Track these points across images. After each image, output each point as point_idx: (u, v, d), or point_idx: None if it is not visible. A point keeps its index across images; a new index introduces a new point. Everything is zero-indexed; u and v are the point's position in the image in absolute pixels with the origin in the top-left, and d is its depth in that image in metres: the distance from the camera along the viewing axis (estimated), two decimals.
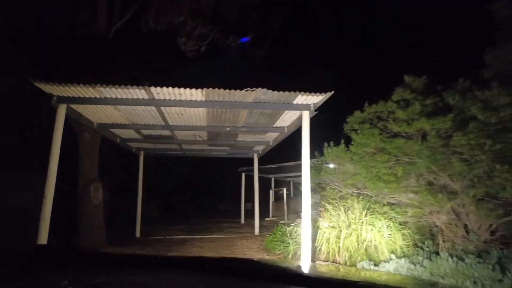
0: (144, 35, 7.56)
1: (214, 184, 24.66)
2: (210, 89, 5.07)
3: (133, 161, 11.31)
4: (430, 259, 5.14)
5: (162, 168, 17.06)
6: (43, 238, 4.78)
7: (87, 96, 5.30)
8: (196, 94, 5.33)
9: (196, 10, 7.29)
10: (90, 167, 7.92)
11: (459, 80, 5.44)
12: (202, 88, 5.07)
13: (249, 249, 8.14)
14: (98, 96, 5.32)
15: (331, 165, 8.03)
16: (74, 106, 5.87)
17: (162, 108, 5.98)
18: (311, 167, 7.86)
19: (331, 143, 7.50)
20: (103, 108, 6.09)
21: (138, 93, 5.19)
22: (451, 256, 5.06)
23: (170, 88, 5.06)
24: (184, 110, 6.22)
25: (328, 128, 8.04)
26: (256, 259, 4.56)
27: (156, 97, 5.39)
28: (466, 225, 5.90)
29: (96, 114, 6.49)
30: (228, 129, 7.42)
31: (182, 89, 5.11)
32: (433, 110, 5.64)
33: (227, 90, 5.08)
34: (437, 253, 5.50)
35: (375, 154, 6.39)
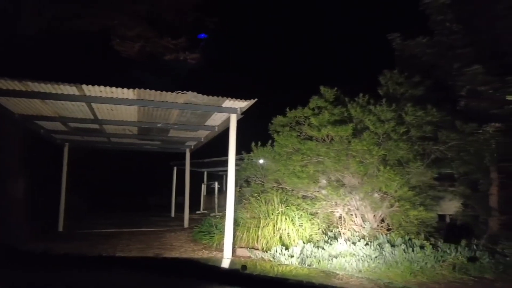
0: (80, 34, 7.39)
1: (146, 178, 24.14)
2: (142, 89, 5.36)
3: (61, 153, 10.83)
4: (330, 244, 6.15)
5: (91, 161, 16.35)
6: None
7: (11, 88, 5.21)
8: (127, 93, 5.57)
9: (132, 12, 7.34)
10: (8, 159, 7.54)
11: (360, 95, 6.54)
12: (133, 88, 5.34)
13: (177, 240, 8.53)
14: (24, 90, 5.25)
15: (261, 161, 8.76)
16: None
17: (92, 104, 6.08)
18: (241, 163, 8.57)
19: (259, 143, 8.22)
20: (28, 101, 5.96)
21: (68, 89, 5.27)
22: (346, 240, 6.15)
23: (102, 86, 5.24)
24: (115, 107, 6.38)
25: (263, 128, 8.66)
26: (184, 258, 4.70)
27: (87, 94, 5.51)
28: (363, 215, 7.11)
29: (18, 106, 6.30)
30: (159, 125, 7.70)
31: (114, 88, 5.32)
32: (340, 119, 6.69)
33: (159, 91, 5.42)
34: (338, 239, 6.57)
35: (293, 153, 7.29)
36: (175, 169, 15.44)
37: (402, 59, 7.74)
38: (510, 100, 6.04)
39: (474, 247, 5.45)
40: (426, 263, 4.98)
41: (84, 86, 5.17)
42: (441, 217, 9.01)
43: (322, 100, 7.07)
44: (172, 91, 5.48)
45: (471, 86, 6.46)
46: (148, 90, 5.37)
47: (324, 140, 6.86)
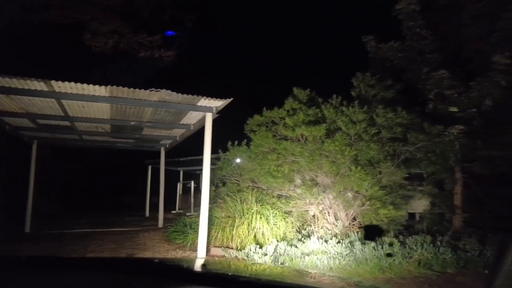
0: (50, 28, 7.09)
1: (120, 177, 23.58)
2: (114, 86, 5.25)
3: (30, 151, 10.39)
4: (303, 242, 6.26)
5: (63, 159, 15.80)
6: None
7: None
8: (100, 90, 5.43)
9: (106, 6, 7.13)
10: None
11: (333, 96, 6.69)
12: (106, 85, 5.22)
13: (151, 240, 8.40)
14: None
15: (238, 160, 8.76)
16: None
17: (62, 100, 5.88)
18: (217, 162, 8.54)
19: (236, 142, 8.23)
20: None
21: (36, 84, 5.07)
22: (319, 238, 6.28)
23: (73, 83, 5.09)
24: (86, 104, 6.21)
25: (240, 126, 8.67)
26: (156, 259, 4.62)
27: (57, 90, 5.33)
28: (336, 213, 7.27)
29: None
30: (132, 123, 7.55)
31: (85, 85, 5.18)
32: (314, 119, 6.82)
33: (132, 89, 5.33)
34: (311, 237, 6.69)
35: (268, 153, 7.35)
36: (149, 168, 15.18)
37: (375, 62, 7.97)
38: (473, 104, 6.36)
39: (438, 243, 5.70)
40: (394, 260, 5.17)
41: (53, 82, 5.00)
42: (411, 215, 9.38)
43: (296, 102, 7.18)
44: (145, 89, 5.39)
45: (438, 90, 6.75)
46: (121, 87, 5.27)
47: (298, 140, 6.97)
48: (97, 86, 5.23)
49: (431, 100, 6.96)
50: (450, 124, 6.27)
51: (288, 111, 7.06)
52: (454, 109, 6.34)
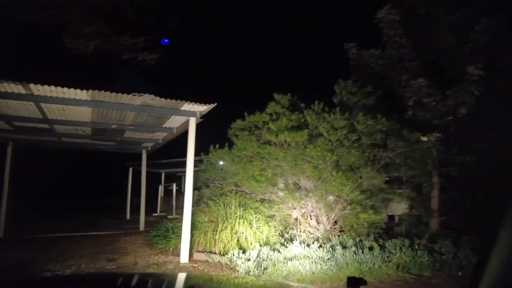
0: (30, 30, 6.86)
1: (100, 179, 23.10)
2: (96, 90, 5.16)
3: (4, 153, 10.03)
4: (286, 246, 6.33)
5: (41, 161, 15.34)
6: None
7: None
8: (81, 94, 5.34)
9: (89, 7, 6.96)
10: None
11: (315, 102, 6.80)
12: (87, 89, 5.13)
13: (132, 244, 8.28)
14: None
15: (221, 162, 8.73)
16: None
17: (42, 103, 5.74)
18: (200, 165, 8.51)
19: (217, 145, 8.22)
20: None
21: (13, 87, 4.93)
22: (301, 243, 6.37)
23: (53, 86, 4.97)
24: (67, 107, 6.07)
25: (224, 129, 8.65)
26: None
27: (36, 93, 5.19)
28: (318, 217, 7.38)
29: None
30: (114, 126, 7.44)
31: (65, 88, 5.08)
32: (297, 124, 6.91)
33: (114, 93, 5.26)
34: (293, 241, 6.77)
35: (252, 157, 7.39)
36: (130, 170, 14.94)
37: (357, 68, 8.15)
38: (449, 112, 6.61)
39: (416, 246, 5.89)
40: (374, 264, 5.30)
41: (32, 85, 4.87)
42: (391, 218, 9.63)
43: (279, 106, 7.25)
44: (128, 93, 5.34)
45: (417, 98, 6.97)
46: (103, 91, 5.19)
47: (282, 145, 7.04)
48: (78, 90, 5.13)
49: (410, 107, 7.18)
50: (428, 131, 6.49)
51: (271, 115, 7.12)
52: (429, 117, 6.57)
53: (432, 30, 7.71)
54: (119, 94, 5.32)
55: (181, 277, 3.23)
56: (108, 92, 5.24)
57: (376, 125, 6.46)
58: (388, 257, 5.51)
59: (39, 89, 5.04)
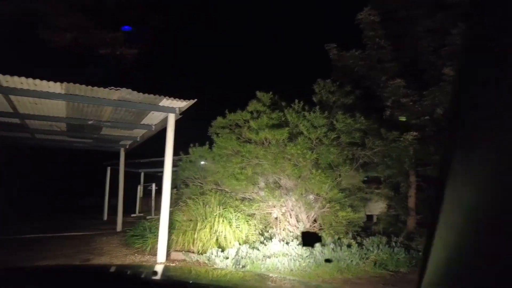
0: (3, 20, 6.52)
1: (77, 178, 22.44)
2: (71, 83, 4.98)
3: None
4: (265, 244, 6.29)
5: (13, 159, 14.71)
6: None
7: None
8: (54, 87, 5.13)
9: None
10: None
11: (295, 101, 6.82)
12: (61, 81, 4.94)
13: (109, 244, 8.05)
14: None
15: (202, 162, 8.61)
16: None
17: (11, 96, 5.48)
18: (180, 163, 8.37)
19: (197, 144, 8.12)
20: None
21: None
22: (280, 241, 6.35)
23: (23, 78, 4.76)
24: (39, 100, 5.83)
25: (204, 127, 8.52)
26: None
27: (4, 84, 4.95)
28: (297, 215, 7.39)
29: None
30: (90, 122, 7.21)
31: (37, 80, 4.87)
32: (278, 123, 6.90)
33: (90, 86, 5.09)
34: (273, 239, 6.74)
35: (232, 155, 7.33)
36: (108, 169, 14.55)
37: (337, 68, 8.24)
38: (426, 112, 6.77)
39: (393, 244, 5.98)
40: (351, 261, 5.34)
41: (0, 76, 4.64)
42: (369, 217, 9.77)
43: (260, 104, 7.23)
44: (105, 87, 5.17)
45: (395, 98, 7.11)
46: (78, 84, 5.01)
47: (262, 143, 7.02)
48: (51, 82, 4.93)
49: (388, 107, 7.31)
50: (406, 130, 6.61)
51: (252, 113, 7.09)
52: (403, 118, 6.68)
53: (411, 33, 7.89)
54: (95, 87, 5.14)
55: (159, 268, 3.15)
56: (84, 85, 5.06)
57: (354, 124, 6.53)
58: (366, 254, 5.57)
59: (7, 80, 4.81)
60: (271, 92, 7.09)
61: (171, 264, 5.93)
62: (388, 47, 7.54)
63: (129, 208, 14.28)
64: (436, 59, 7.41)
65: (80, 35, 7.24)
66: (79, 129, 8.33)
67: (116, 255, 6.80)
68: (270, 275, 3.25)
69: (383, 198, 8.42)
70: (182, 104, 6.02)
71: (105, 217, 14.13)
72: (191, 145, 8.12)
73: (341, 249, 5.63)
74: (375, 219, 9.75)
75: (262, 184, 7.55)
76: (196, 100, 5.87)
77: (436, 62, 7.37)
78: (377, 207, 9.02)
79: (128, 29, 8.53)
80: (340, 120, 6.46)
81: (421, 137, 6.51)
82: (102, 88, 5.20)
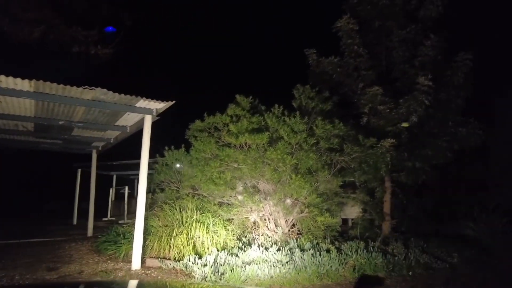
0: None
1: (44, 181, 21.36)
2: (41, 81, 4.70)
3: None
4: (244, 250, 6.20)
5: None
6: None
7: None
8: (22, 84, 4.82)
9: None
10: None
11: (275, 106, 6.81)
12: (30, 79, 4.65)
13: (78, 251, 7.65)
14: None
15: (178, 165, 8.37)
16: None
17: None
18: (155, 166, 8.11)
19: (172, 147, 7.90)
20: None
21: None
22: (259, 246, 6.28)
23: None
24: (3, 98, 5.46)
25: (181, 130, 8.30)
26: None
27: None
28: (276, 220, 7.36)
29: None
30: (61, 123, 6.85)
31: (3, 76, 4.55)
32: (258, 127, 6.85)
33: (62, 85, 4.82)
34: (252, 245, 6.66)
35: (211, 159, 7.19)
36: (79, 171, 13.95)
37: (315, 74, 8.32)
38: (401, 119, 6.96)
39: (371, 248, 6.07)
40: (331, 266, 5.35)
41: None
42: (344, 221, 9.92)
43: (239, 109, 7.16)
44: (78, 86, 4.92)
45: (372, 105, 7.26)
46: (49, 82, 4.73)
47: (242, 147, 6.94)
48: (18, 79, 4.62)
49: (365, 114, 7.45)
50: (382, 137, 6.76)
51: (231, 117, 7.00)
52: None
53: (386, 42, 8.13)
54: (68, 86, 4.88)
55: (132, 284, 2.97)
56: (55, 84, 4.78)
57: (333, 129, 6.60)
58: (344, 259, 5.62)
59: None
60: (251, 97, 7.04)
61: (146, 272, 5.70)
62: (365, 55, 7.71)
63: (100, 212, 13.73)
64: (409, 69, 7.67)
65: (51, 32, 6.83)
66: (48, 130, 7.89)
67: (86, 263, 6.46)
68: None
69: (359, 203, 8.57)
70: (159, 106, 5.84)
71: (75, 222, 13.52)
72: (167, 148, 7.88)
73: (320, 255, 5.63)
74: (350, 223, 9.92)
75: (240, 189, 7.46)
76: (174, 101, 5.72)
77: (409, 72, 7.64)
78: (353, 212, 9.18)
79: (103, 27, 8.20)
80: (319, 126, 6.51)
81: (397, 144, 6.67)
82: (75, 87, 4.95)
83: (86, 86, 4.95)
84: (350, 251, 5.85)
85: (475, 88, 7.53)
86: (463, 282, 5.25)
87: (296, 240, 6.74)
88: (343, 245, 6.22)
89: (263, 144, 6.45)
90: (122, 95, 5.29)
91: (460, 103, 7.40)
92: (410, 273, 5.55)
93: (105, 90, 5.10)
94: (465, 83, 7.32)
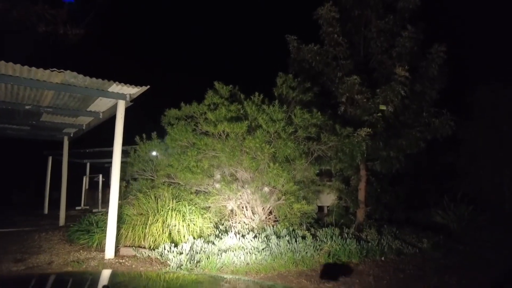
0: None
1: (11, 169, 20.38)
2: (3, 62, 4.40)
3: None
4: (221, 238, 6.18)
5: None
6: None
7: None
8: None
9: None
10: None
11: (255, 94, 6.73)
12: None
13: (48, 241, 7.39)
14: None
15: (154, 153, 8.13)
16: None
17: None
18: (129, 154, 7.87)
19: (145, 134, 7.64)
20: None
21: None
22: (236, 234, 6.28)
23: None
24: None
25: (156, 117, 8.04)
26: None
27: None
28: (253, 208, 7.36)
29: None
30: (28, 107, 6.50)
31: None
32: (236, 115, 6.77)
33: (26, 67, 4.54)
34: (228, 232, 6.65)
35: (187, 148, 7.06)
36: (50, 159, 13.42)
37: (295, 62, 8.27)
38: (378, 110, 7.05)
39: (345, 235, 6.20)
40: (306, 253, 5.43)
41: None
42: (320, 208, 10.08)
43: (217, 97, 7.03)
44: (45, 68, 4.65)
45: (349, 94, 7.32)
46: (11, 63, 4.43)
47: (220, 135, 6.85)
48: None
49: (342, 103, 7.51)
50: (359, 126, 6.84)
51: (209, 105, 6.87)
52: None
53: (365, 32, 8.17)
54: (34, 68, 4.59)
55: (105, 274, 2.87)
56: (19, 65, 4.49)
57: (311, 119, 6.62)
58: (319, 245, 5.70)
59: None
60: (230, 85, 6.91)
61: (120, 261, 5.58)
62: (345, 44, 7.71)
63: (73, 201, 13.32)
64: (386, 59, 7.76)
65: (13, 8, 6.32)
66: (13, 115, 7.47)
67: (57, 253, 6.24)
68: (225, 276, 3.15)
69: (335, 191, 8.72)
70: (133, 91, 5.64)
71: (46, 211, 13.04)
72: (140, 136, 7.60)
73: (296, 241, 5.70)
74: (325, 211, 10.10)
75: (218, 177, 7.39)
76: (148, 86, 5.53)
77: (386, 62, 7.72)
78: (328, 199, 9.33)
79: (69, 1, 7.60)
80: (298, 115, 6.50)
81: (372, 134, 6.77)
82: (41, 70, 4.67)
83: (54, 69, 4.69)
84: (325, 238, 5.95)
85: (450, 80, 7.72)
86: (432, 267, 5.46)
87: (273, 227, 6.78)
88: (318, 232, 6.32)
89: (242, 133, 6.38)
90: (94, 79, 5.05)
91: (434, 95, 7.58)
92: (383, 258, 5.73)
93: (75, 73, 4.85)
94: (439, 75, 7.49)
